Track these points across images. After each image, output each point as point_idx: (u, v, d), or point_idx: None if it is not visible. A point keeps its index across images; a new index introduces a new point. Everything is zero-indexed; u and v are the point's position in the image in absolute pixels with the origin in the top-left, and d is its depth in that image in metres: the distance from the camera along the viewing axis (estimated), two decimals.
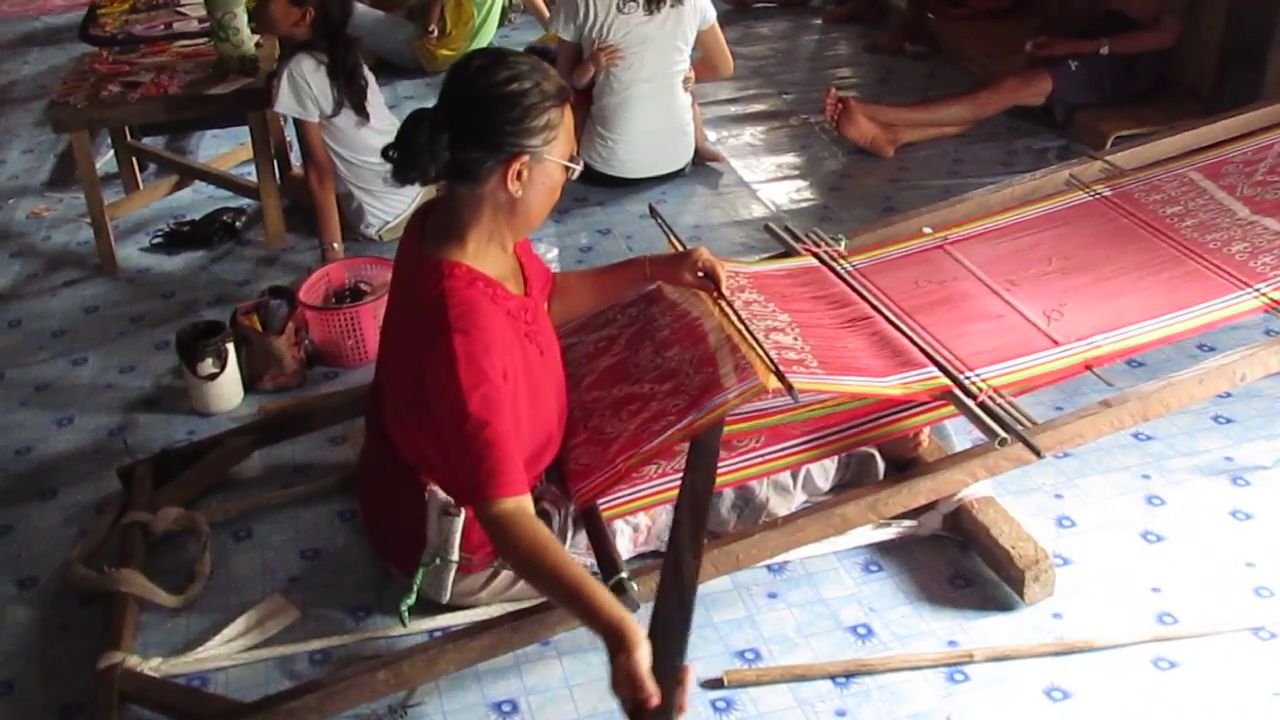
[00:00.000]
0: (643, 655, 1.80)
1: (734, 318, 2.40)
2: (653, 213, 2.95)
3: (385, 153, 2.15)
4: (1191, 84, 4.83)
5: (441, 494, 2.26)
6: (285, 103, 3.73)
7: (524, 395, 2.20)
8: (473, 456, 2.04)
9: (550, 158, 2.13)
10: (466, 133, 2.08)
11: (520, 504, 2.05)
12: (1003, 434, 2.27)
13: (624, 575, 2.17)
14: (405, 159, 2.12)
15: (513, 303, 2.24)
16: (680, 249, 2.69)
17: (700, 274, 2.50)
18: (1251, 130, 3.42)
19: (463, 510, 2.23)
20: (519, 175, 2.11)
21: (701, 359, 2.41)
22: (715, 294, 2.47)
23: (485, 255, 2.21)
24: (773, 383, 2.19)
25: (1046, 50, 4.73)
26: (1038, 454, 2.28)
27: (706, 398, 2.30)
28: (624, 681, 1.79)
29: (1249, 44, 4.41)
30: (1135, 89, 4.75)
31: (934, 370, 2.42)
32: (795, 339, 2.46)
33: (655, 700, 1.76)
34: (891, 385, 2.38)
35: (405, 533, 2.34)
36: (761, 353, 2.26)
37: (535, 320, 2.34)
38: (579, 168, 2.22)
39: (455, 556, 2.28)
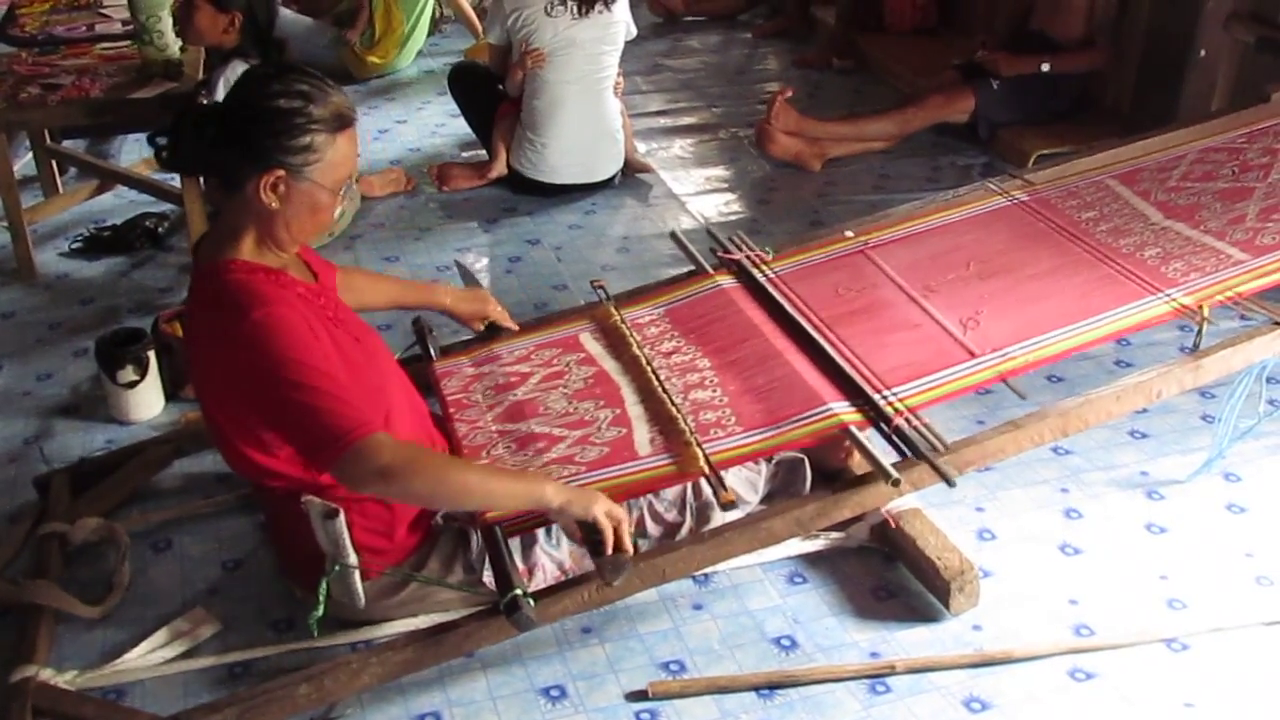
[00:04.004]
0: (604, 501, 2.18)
1: (658, 386, 2.54)
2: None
3: (151, 139, 2.19)
4: (1112, 104, 4.94)
5: (318, 500, 2.22)
6: None
7: (344, 372, 2.18)
8: (318, 412, 2.06)
9: (313, 179, 2.13)
10: (229, 136, 2.11)
11: (385, 439, 2.08)
12: (896, 475, 2.27)
13: (518, 591, 2.14)
14: (170, 147, 2.17)
15: (301, 287, 2.25)
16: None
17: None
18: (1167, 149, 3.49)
19: (341, 510, 2.20)
20: (274, 188, 2.11)
21: (616, 419, 2.50)
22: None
23: (261, 256, 2.21)
24: (695, 470, 2.31)
25: (989, 60, 4.79)
26: (950, 483, 2.30)
27: (617, 459, 2.37)
28: (614, 513, 2.17)
29: (1166, 68, 4.52)
30: (1056, 108, 4.85)
31: (848, 405, 2.43)
32: (714, 392, 2.54)
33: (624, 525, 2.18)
34: (808, 428, 2.39)
35: (303, 553, 2.32)
36: (691, 435, 2.37)
37: (337, 309, 2.35)
38: (343, 205, 2.25)
39: (353, 559, 2.25)
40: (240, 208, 2.17)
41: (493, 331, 2.88)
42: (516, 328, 2.89)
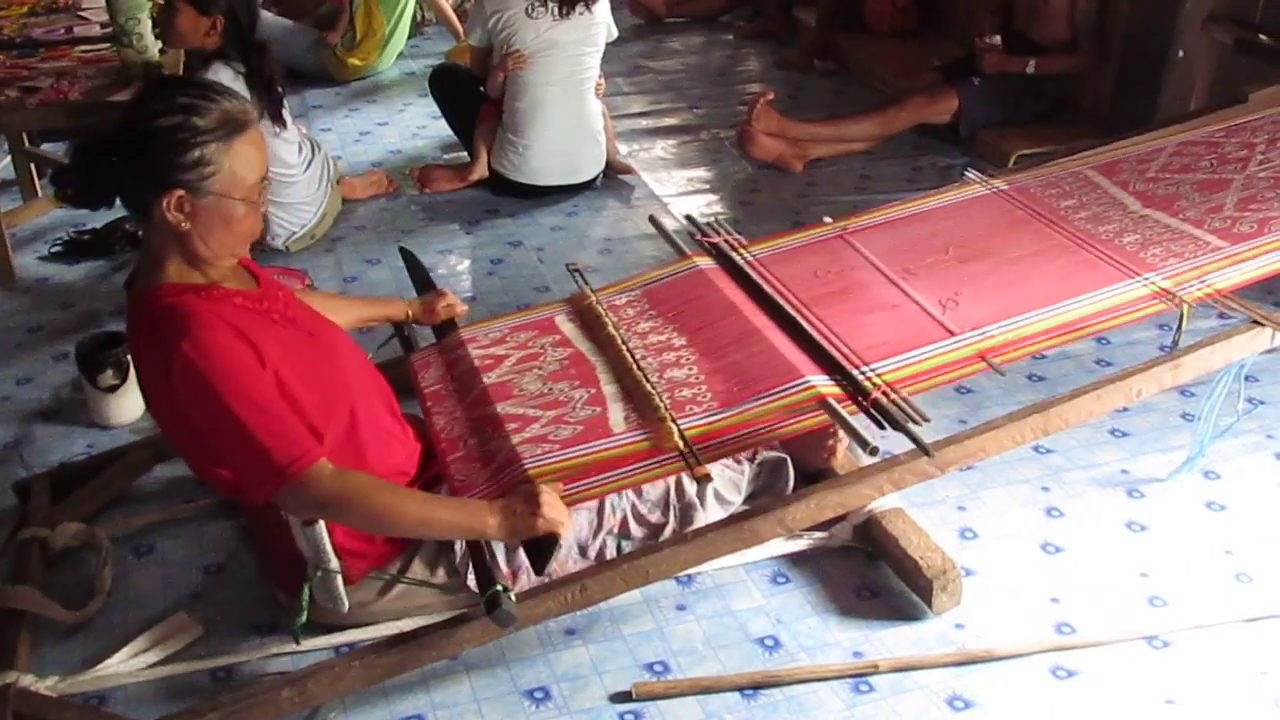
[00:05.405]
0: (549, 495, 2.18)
1: (633, 365, 2.53)
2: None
3: (56, 178, 2.12)
4: (1092, 105, 4.96)
5: None
6: None
7: (293, 375, 2.17)
8: (253, 447, 2.04)
9: (216, 192, 2.07)
10: (122, 164, 2.05)
11: (324, 469, 2.08)
12: (873, 444, 2.23)
13: (500, 587, 2.13)
14: (75, 183, 2.10)
15: (239, 296, 2.21)
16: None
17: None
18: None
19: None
20: (179, 208, 2.06)
21: (591, 398, 2.49)
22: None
23: (189, 275, 2.17)
24: (670, 445, 2.29)
25: (988, 47, 4.79)
26: (927, 452, 2.29)
27: (592, 437, 2.35)
28: (555, 519, 2.15)
29: (1145, 69, 4.54)
30: (1037, 108, 4.87)
31: (826, 379, 2.42)
32: (690, 370, 2.52)
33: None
34: (784, 401, 2.37)
35: (285, 558, 2.31)
36: (666, 411, 2.36)
37: (286, 306, 2.31)
38: (262, 208, 2.20)
39: (335, 564, 2.25)
40: (155, 233, 2.12)
41: (448, 327, 2.85)
42: (465, 309, 2.89)
